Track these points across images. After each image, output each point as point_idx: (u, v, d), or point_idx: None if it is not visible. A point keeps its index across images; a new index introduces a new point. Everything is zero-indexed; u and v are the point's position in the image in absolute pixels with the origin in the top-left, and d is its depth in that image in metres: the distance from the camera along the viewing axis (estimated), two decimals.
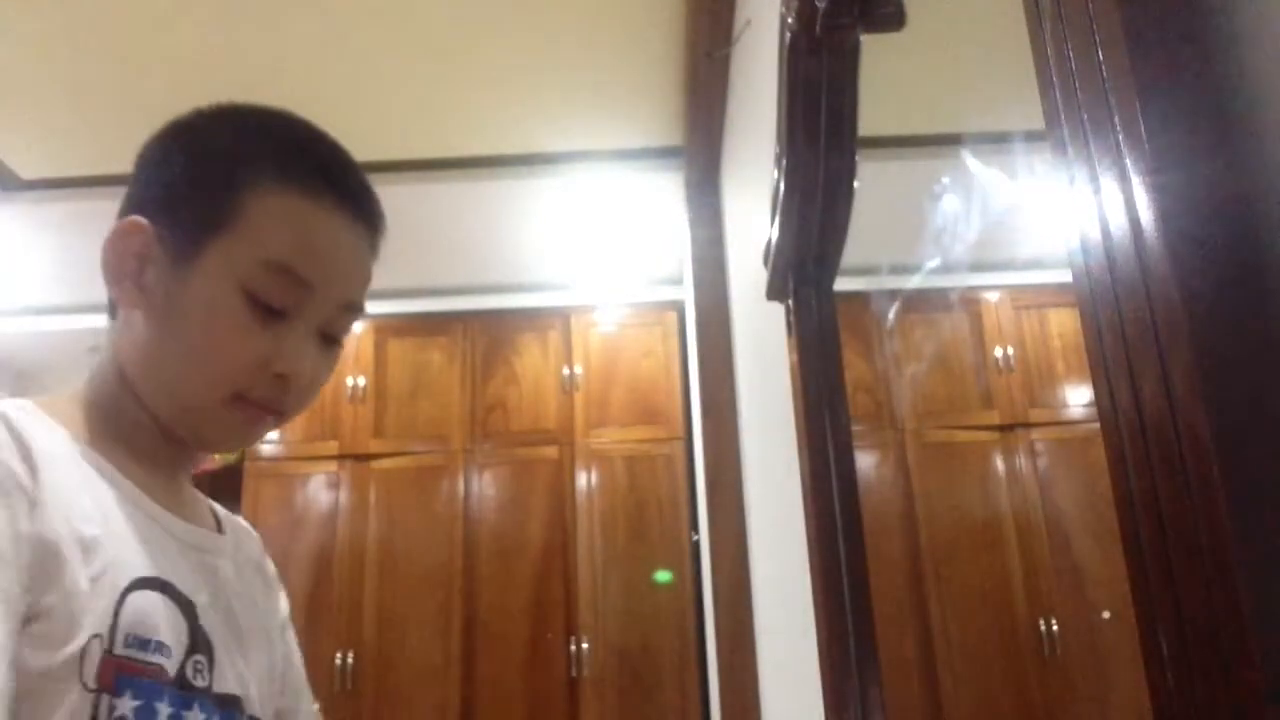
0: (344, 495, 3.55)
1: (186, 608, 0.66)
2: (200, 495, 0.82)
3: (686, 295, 3.29)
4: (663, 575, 3.42)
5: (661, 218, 3.27)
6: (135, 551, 0.63)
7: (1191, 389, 0.44)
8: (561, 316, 3.76)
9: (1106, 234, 0.51)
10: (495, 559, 3.46)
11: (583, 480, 3.55)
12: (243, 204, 0.68)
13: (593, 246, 3.55)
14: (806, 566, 1.41)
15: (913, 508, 1.65)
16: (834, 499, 1.34)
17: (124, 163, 0.76)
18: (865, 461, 1.53)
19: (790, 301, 1.48)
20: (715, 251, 2.83)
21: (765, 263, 1.53)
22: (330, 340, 0.74)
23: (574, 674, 3.31)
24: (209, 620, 0.68)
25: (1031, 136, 0.81)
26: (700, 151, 2.78)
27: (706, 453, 2.67)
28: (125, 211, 0.72)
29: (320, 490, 3.56)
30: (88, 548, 0.59)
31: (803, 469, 1.42)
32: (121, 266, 0.70)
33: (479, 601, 3.40)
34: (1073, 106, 0.54)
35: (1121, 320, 0.50)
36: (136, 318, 0.70)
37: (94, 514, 0.61)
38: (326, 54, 2.51)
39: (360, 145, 0.79)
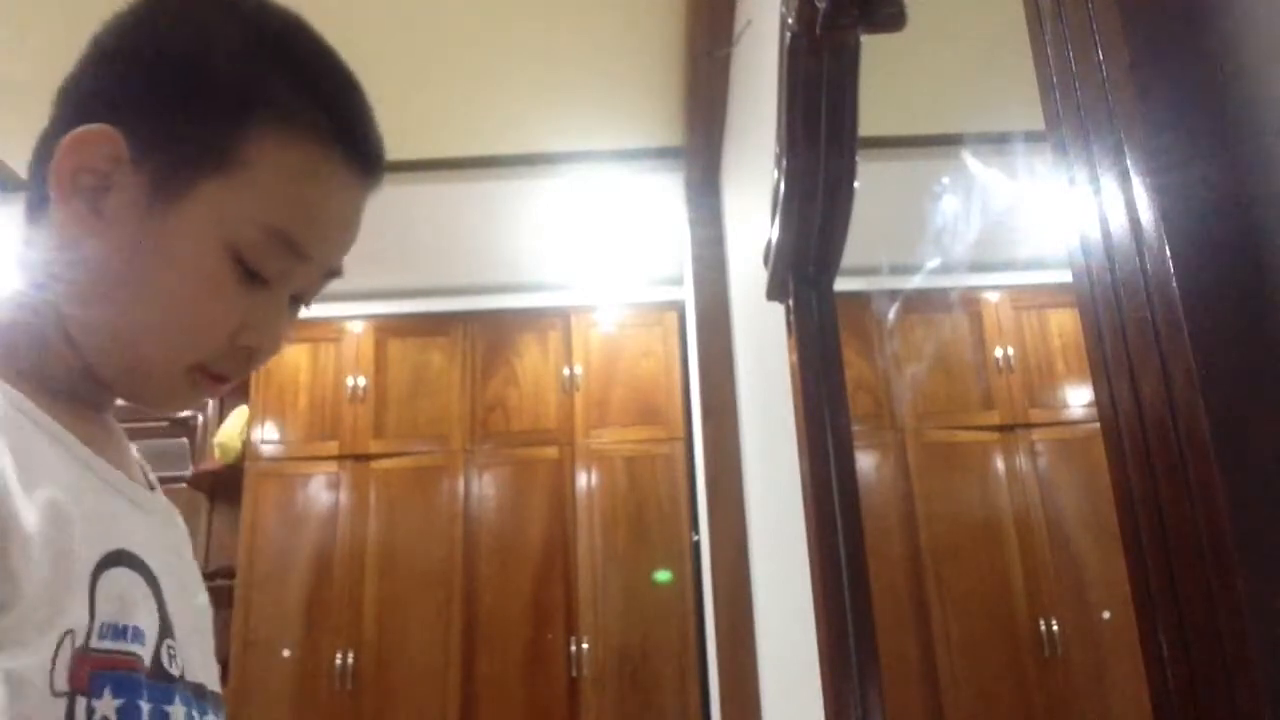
0: (344, 495, 3.55)
1: (153, 583, 0.56)
2: (125, 437, 0.67)
3: (686, 295, 3.29)
4: (663, 575, 3.42)
5: (661, 218, 3.27)
6: (94, 521, 0.53)
7: (1191, 389, 0.44)
8: (561, 316, 3.76)
9: (1106, 234, 0.51)
10: (495, 559, 3.46)
11: (583, 480, 3.55)
12: (248, 143, 0.57)
13: (593, 246, 3.55)
14: (806, 566, 1.40)
15: (913, 508, 1.65)
16: (834, 499, 1.34)
17: None
18: (865, 461, 1.53)
19: (790, 301, 1.48)
20: (715, 251, 2.83)
21: (765, 263, 1.53)
22: (297, 301, 0.64)
23: (574, 674, 3.31)
24: (169, 593, 0.57)
25: (1031, 136, 0.81)
26: (700, 151, 2.78)
27: (706, 453, 2.67)
28: (84, 105, 0.58)
29: (320, 490, 3.56)
30: (41, 519, 0.48)
31: (803, 469, 1.42)
32: (74, 181, 0.56)
33: (479, 601, 3.40)
34: (1072, 106, 0.54)
35: (1121, 320, 0.50)
36: (84, 245, 0.57)
37: (40, 479, 0.50)
38: None
39: None
